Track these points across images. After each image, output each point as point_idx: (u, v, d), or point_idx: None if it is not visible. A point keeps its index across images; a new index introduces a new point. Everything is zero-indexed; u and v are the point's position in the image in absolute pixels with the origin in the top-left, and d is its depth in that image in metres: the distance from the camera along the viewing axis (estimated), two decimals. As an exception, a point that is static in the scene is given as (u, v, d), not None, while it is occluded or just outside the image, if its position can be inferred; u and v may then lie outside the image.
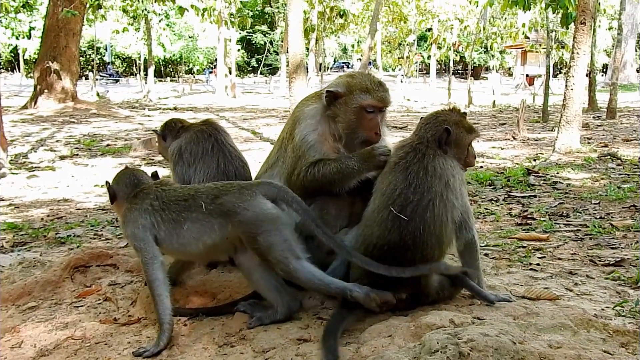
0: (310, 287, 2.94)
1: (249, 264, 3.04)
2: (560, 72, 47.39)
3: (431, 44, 42.33)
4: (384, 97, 3.40)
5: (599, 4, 20.14)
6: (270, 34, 61.47)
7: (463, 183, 3.05)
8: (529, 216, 6.17)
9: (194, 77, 54.37)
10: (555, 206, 6.60)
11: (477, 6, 29.35)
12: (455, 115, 3.16)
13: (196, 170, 3.70)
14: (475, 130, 3.18)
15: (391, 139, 3.62)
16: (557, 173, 8.70)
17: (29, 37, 49.94)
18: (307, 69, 26.95)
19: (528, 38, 34.86)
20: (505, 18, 36.95)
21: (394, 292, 2.86)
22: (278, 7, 52.10)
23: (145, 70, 35.48)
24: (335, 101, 3.39)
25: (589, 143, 11.76)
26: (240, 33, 52.81)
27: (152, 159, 11.57)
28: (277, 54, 53.92)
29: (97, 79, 36.67)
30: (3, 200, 7.93)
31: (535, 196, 7.22)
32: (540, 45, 34.24)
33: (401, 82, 39.92)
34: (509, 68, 62.64)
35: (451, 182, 2.94)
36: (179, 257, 3.29)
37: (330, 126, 3.42)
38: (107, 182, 3.20)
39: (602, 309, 3.28)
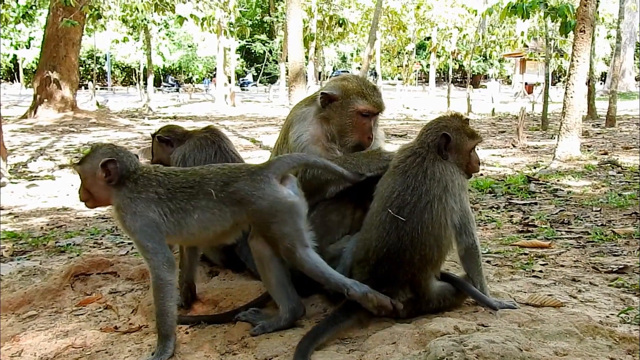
0: (312, 276, 2.86)
1: (262, 253, 2.96)
2: (559, 81, 47.38)
3: (430, 52, 42.54)
4: (379, 102, 3.44)
5: (598, 12, 20.21)
6: (269, 43, 61.62)
7: (463, 189, 3.04)
8: (530, 223, 6.16)
9: (194, 86, 54.43)
10: (556, 213, 6.58)
11: (475, 15, 29.52)
12: (457, 121, 3.15)
13: None
14: (478, 136, 3.16)
15: (384, 145, 3.63)
16: (558, 180, 8.69)
17: (28, 46, 50.07)
18: (306, 77, 27.03)
19: (527, 46, 34.94)
20: (504, 27, 37.04)
21: (392, 295, 2.86)
22: (277, 17, 52.20)
23: (145, 79, 35.52)
24: (330, 103, 3.40)
25: (589, 151, 11.76)
26: (239, 42, 52.93)
27: (152, 168, 11.53)
28: (277, 62, 54.06)
29: (162, 89, 37.01)
30: (3, 209, 7.91)
31: (536, 203, 7.20)
32: (539, 53, 34.32)
33: (401, 90, 40.02)
34: (508, 76, 62.75)
35: (450, 187, 2.94)
36: (182, 244, 3.13)
37: (324, 127, 3.43)
38: (110, 160, 2.80)
39: (607, 316, 3.27)
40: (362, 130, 3.39)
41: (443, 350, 2.30)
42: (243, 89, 56.64)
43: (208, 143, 3.79)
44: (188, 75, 64.75)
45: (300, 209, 2.85)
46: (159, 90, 36.42)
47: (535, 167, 10.57)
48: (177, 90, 51.41)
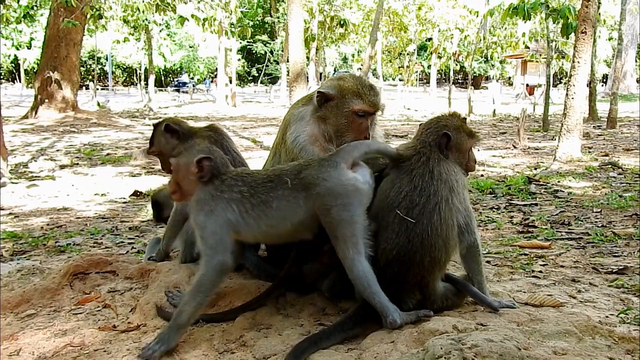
0: (356, 284, 2.83)
1: None
2: (560, 82, 47.44)
3: (431, 53, 42.48)
4: (375, 102, 3.38)
5: (599, 14, 20.20)
6: (270, 43, 61.64)
7: (465, 188, 3.05)
8: (530, 224, 6.16)
9: (195, 86, 54.37)
10: (557, 214, 6.58)
11: (477, 16, 29.53)
12: (456, 120, 3.15)
13: None
14: (476, 135, 3.17)
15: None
16: (558, 181, 8.69)
17: (30, 47, 50.10)
18: (307, 78, 27.01)
19: (528, 48, 34.98)
20: (506, 28, 37.01)
21: (400, 296, 2.85)
22: (278, 17, 52.25)
23: (146, 79, 35.54)
24: (326, 103, 3.38)
25: (589, 152, 11.75)
26: (240, 43, 52.96)
27: (153, 168, 11.56)
28: (278, 63, 54.07)
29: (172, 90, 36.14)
30: (3, 209, 7.91)
31: (536, 204, 7.20)
32: (540, 55, 34.32)
33: (402, 91, 40.03)
34: (509, 78, 62.72)
35: (455, 187, 2.93)
36: (261, 240, 3.17)
37: (321, 127, 3.40)
38: (206, 158, 2.89)
39: (607, 316, 3.26)
40: (358, 130, 3.36)
41: (441, 349, 2.29)
42: (179, 91, 50.89)
43: (211, 142, 3.78)
44: (189, 75, 64.77)
45: (363, 196, 2.83)
46: (164, 90, 36.04)
47: (535, 168, 10.57)
48: (186, 92, 50.66)
